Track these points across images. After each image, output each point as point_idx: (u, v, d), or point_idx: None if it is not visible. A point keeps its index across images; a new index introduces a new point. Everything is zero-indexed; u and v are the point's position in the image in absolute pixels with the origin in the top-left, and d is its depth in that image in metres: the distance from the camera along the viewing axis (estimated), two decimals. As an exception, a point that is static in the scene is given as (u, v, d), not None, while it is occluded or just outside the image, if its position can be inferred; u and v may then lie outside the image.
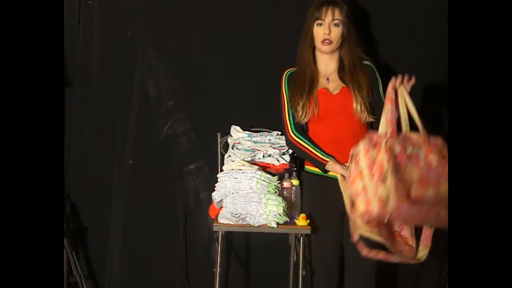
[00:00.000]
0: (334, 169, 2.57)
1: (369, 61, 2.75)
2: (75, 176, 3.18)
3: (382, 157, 2.20)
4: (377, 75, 2.73)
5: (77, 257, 3.03)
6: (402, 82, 2.41)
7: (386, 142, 2.23)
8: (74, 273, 2.99)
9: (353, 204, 2.30)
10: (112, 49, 3.15)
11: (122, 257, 3.20)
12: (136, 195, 3.18)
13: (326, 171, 2.61)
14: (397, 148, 2.24)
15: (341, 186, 2.45)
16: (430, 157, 2.29)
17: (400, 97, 2.41)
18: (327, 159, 2.58)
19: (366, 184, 2.21)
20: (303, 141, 2.64)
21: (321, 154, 2.60)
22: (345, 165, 2.49)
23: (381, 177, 2.18)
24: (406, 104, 2.39)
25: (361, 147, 2.26)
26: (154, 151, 3.18)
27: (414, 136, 2.35)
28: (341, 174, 2.48)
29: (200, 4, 3.12)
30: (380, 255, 2.36)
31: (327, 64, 2.74)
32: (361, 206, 2.24)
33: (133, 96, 3.16)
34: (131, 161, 3.17)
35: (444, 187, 2.26)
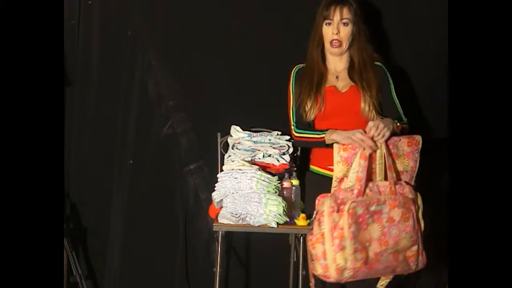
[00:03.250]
0: (332, 138, 2.53)
1: (380, 62, 2.75)
2: (75, 176, 3.18)
3: (344, 223, 2.29)
4: (389, 76, 2.72)
5: (77, 257, 3.03)
6: (374, 137, 2.42)
7: (349, 207, 2.29)
8: (74, 273, 2.99)
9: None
10: (112, 49, 3.15)
11: (122, 257, 3.20)
12: (136, 195, 3.18)
13: (329, 146, 2.55)
14: (360, 210, 2.32)
15: (334, 153, 2.43)
16: (393, 212, 2.36)
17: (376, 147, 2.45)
18: (323, 135, 2.57)
19: (326, 249, 2.31)
20: (304, 133, 2.64)
21: (317, 134, 2.59)
22: (343, 131, 2.49)
23: (340, 245, 2.28)
24: (382, 154, 2.42)
25: (326, 206, 2.33)
26: (154, 151, 3.18)
27: (382, 185, 2.40)
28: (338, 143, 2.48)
29: (200, 4, 3.12)
30: None
31: (336, 62, 2.74)
32: (319, 269, 2.34)
33: (133, 96, 3.16)
34: (131, 161, 3.17)
35: (404, 242, 2.36)
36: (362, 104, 2.63)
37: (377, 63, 2.74)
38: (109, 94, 3.16)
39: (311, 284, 2.55)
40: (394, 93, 2.69)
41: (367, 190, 2.38)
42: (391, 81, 2.71)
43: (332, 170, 2.49)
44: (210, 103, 3.13)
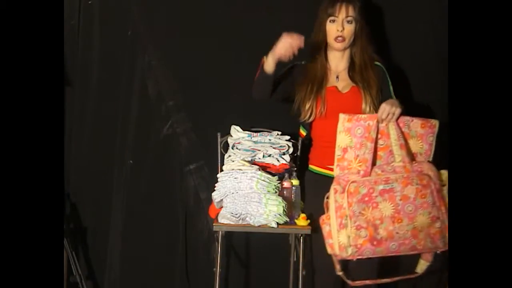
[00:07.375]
0: (269, 60, 2.59)
1: (379, 62, 2.75)
2: (75, 176, 3.18)
3: (345, 202, 2.36)
4: (387, 76, 2.73)
5: (77, 257, 3.04)
6: (386, 119, 2.46)
7: (349, 187, 2.37)
8: (74, 273, 2.99)
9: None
10: (112, 49, 3.15)
11: (122, 257, 3.19)
12: (136, 195, 3.18)
13: (268, 71, 2.61)
14: (364, 190, 2.36)
15: (338, 123, 2.47)
16: (407, 189, 2.36)
17: (387, 129, 2.48)
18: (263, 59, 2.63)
19: (331, 228, 2.38)
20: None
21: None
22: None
23: (342, 224, 2.36)
24: (395, 135, 2.46)
25: (332, 190, 2.42)
26: (154, 151, 3.18)
27: (397, 165, 2.43)
28: None
29: (200, 4, 3.12)
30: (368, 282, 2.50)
31: (338, 61, 2.74)
32: (328, 249, 2.42)
33: (133, 96, 3.16)
34: (131, 161, 3.17)
35: (422, 219, 2.34)
36: (363, 105, 2.63)
37: (377, 63, 2.74)
38: (109, 94, 3.16)
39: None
40: (393, 94, 2.70)
41: (379, 171, 2.42)
42: (389, 82, 2.72)
43: (332, 170, 2.50)
44: (210, 103, 3.13)
